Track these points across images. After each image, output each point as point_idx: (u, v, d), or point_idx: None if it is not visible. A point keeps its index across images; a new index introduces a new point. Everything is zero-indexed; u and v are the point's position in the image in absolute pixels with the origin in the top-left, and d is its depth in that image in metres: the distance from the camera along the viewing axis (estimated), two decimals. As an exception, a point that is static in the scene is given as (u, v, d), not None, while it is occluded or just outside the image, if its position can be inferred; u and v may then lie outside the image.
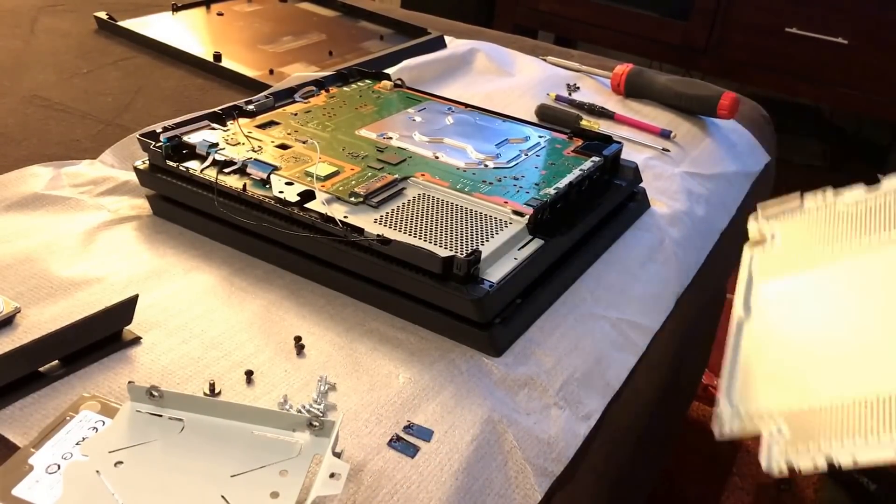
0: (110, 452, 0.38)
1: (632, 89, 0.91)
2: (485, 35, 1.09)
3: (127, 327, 0.49)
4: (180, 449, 0.40)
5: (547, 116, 0.84)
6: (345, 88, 0.76)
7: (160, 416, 0.41)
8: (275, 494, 0.37)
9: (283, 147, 0.62)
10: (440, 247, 0.51)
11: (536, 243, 0.54)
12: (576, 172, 0.62)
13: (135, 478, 0.38)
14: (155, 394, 0.41)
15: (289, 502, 0.37)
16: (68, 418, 0.41)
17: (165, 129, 0.60)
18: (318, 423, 0.40)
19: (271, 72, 0.88)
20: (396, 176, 0.58)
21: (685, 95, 0.87)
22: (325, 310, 0.53)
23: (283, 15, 1.09)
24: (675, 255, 0.66)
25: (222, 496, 0.37)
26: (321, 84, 0.75)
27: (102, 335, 0.47)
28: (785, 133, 0.95)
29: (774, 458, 0.39)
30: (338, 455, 0.41)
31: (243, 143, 0.61)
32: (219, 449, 0.40)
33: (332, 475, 0.37)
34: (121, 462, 0.38)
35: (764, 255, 0.51)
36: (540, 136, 0.68)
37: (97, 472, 0.37)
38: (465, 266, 0.48)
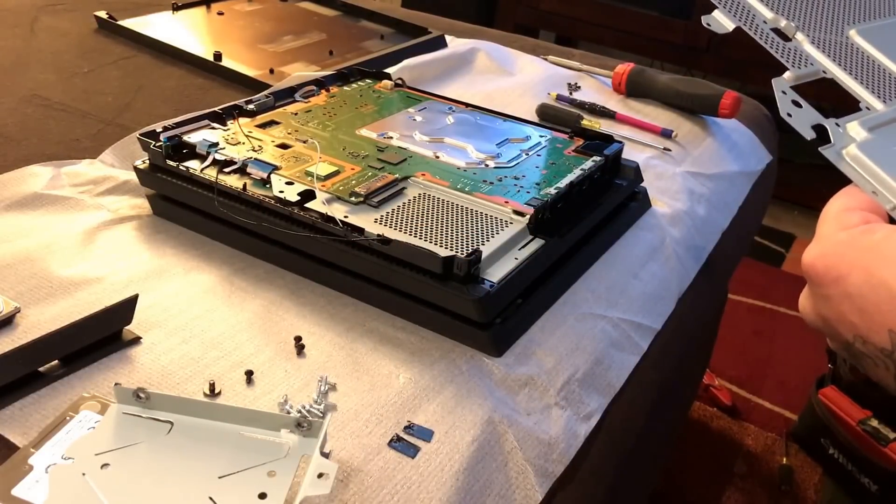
0: (96, 455, 0.38)
1: (633, 89, 0.91)
2: (485, 34, 1.09)
3: (127, 327, 0.49)
4: (167, 450, 0.39)
5: (548, 116, 0.84)
6: (345, 88, 0.76)
7: (148, 417, 0.41)
8: (262, 495, 0.37)
9: (284, 146, 0.61)
10: (441, 246, 0.51)
11: (537, 243, 0.54)
12: (577, 172, 0.61)
13: (121, 480, 0.37)
14: (142, 395, 0.41)
15: (276, 503, 0.37)
16: (68, 418, 0.41)
17: (165, 129, 0.60)
18: (306, 424, 0.40)
19: (271, 71, 0.88)
20: (397, 175, 0.58)
21: (686, 95, 0.87)
22: (326, 310, 0.53)
23: (283, 14, 1.09)
24: (676, 255, 0.66)
25: (210, 497, 0.37)
26: (321, 83, 0.75)
27: (102, 335, 0.47)
28: (786, 132, 0.94)
29: None
30: (326, 455, 0.41)
31: (243, 143, 0.61)
32: (206, 450, 0.39)
33: (320, 475, 0.37)
34: (107, 464, 0.38)
35: None
36: (541, 136, 0.68)
37: (83, 474, 0.37)
38: (465, 266, 0.48)
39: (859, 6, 0.52)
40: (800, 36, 0.47)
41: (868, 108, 0.44)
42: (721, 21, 0.46)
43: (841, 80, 0.46)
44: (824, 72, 0.46)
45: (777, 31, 0.47)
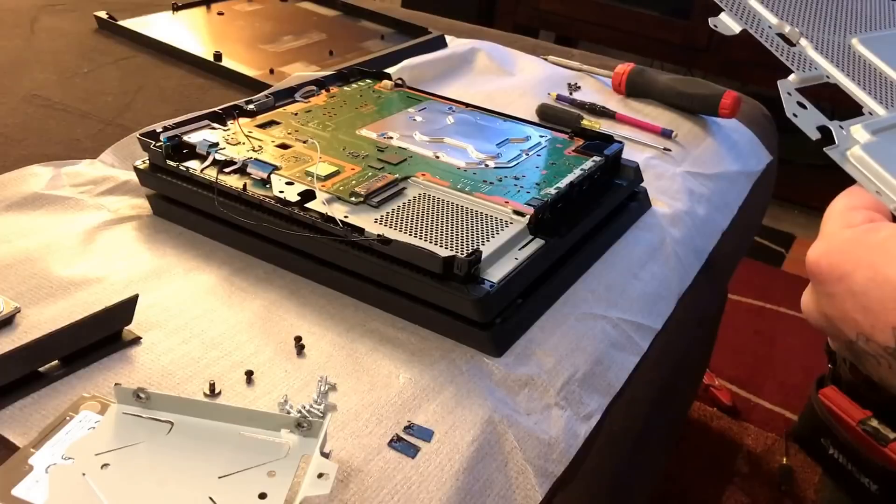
0: (96, 455, 0.38)
1: (633, 89, 0.91)
2: (486, 34, 1.09)
3: (127, 327, 0.49)
4: (168, 450, 0.39)
5: (548, 116, 0.84)
6: (345, 88, 0.76)
7: (148, 417, 0.41)
8: (262, 495, 0.37)
9: (284, 147, 0.61)
10: (441, 247, 0.51)
11: (537, 243, 0.54)
12: (577, 172, 0.61)
13: (121, 480, 0.37)
14: (142, 395, 0.41)
15: (276, 503, 0.37)
16: (68, 418, 0.41)
17: (165, 129, 0.60)
18: (306, 424, 0.40)
19: (272, 71, 0.88)
20: (397, 176, 0.58)
21: (686, 95, 0.87)
22: (326, 310, 0.53)
23: (283, 14, 1.09)
24: (676, 255, 0.66)
25: (210, 497, 0.37)
26: (321, 84, 0.75)
27: (102, 335, 0.47)
28: (786, 132, 0.95)
29: None
30: (326, 455, 0.41)
31: (243, 143, 0.61)
32: (206, 450, 0.39)
33: (320, 475, 0.37)
34: (107, 464, 0.38)
35: None
36: (541, 136, 0.68)
37: (83, 474, 0.37)
38: (465, 266, 0.48)
39: (861, 17, 0.52)
40: (804, 42, 0.47)
41: (871, 113, 0.45)
42: (727, 24, 0.46)
43: (844, 85, 0.46)
44: (828, 77, 0.46)
45: (781, 35, 0.47)
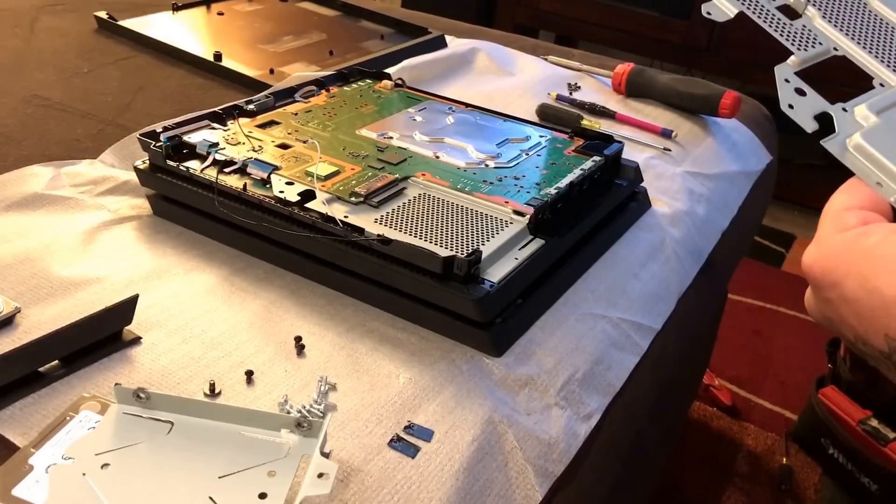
0: (96, 455, 0.38)
1: (633, 89, 0.91)
2: (485, 34, 1.09)
3: (127, 327, 0.49)
4: (168, 450, 0.39)
5: (548, 116, 0.84)
6: (345, 88, 0.76)
7: (148, 417, 0.41)
8: (263, 495, 0.37)
9: (284, 147, 0.61)
10: (441, 247, 0.51)
11: (537, 243, 0.54)
12: (577, 172, 0.61)
13: (121, 480, 0.37)
14: (142, 395, 0.41)
15: (277, 503, 0.37)
16: (68, 418, 0.41)
17: (166, 129, 0.60)
18: (306, 424, 0.40)
19: (272, 71, 0.88)
20: (397, 176, 0.58)
21: (686, 95, 0.87)
22: (326, 310, 0.53)
23: (283, 14, 1.09)
24: (676, 255, 0.66)
25: (210, 497, 0.37)
26: (321, 84, 0.75)
27: (102, 335, 0.47)
28: (786, 132, 0.95)
29: None
30: (326, 455, 0.41)
31: (243, 143, 0.61)
32: (207, 450, 0.39)
33: (320, 475, 0.37)
34: (107, 464, 0.38)
35: None
36: (541, 136, 0.68)
37: (83, 474, 0.37)
38: (465, 266, 0.48)
39: None
40: (811, 10, 0.43)
41: (882, 85, 0.42)
42: (722, 8, 0.44)
43: (853, 55, 0.43)
44: (835, 49, 0.43)
45: (785, 8, 0.43)
